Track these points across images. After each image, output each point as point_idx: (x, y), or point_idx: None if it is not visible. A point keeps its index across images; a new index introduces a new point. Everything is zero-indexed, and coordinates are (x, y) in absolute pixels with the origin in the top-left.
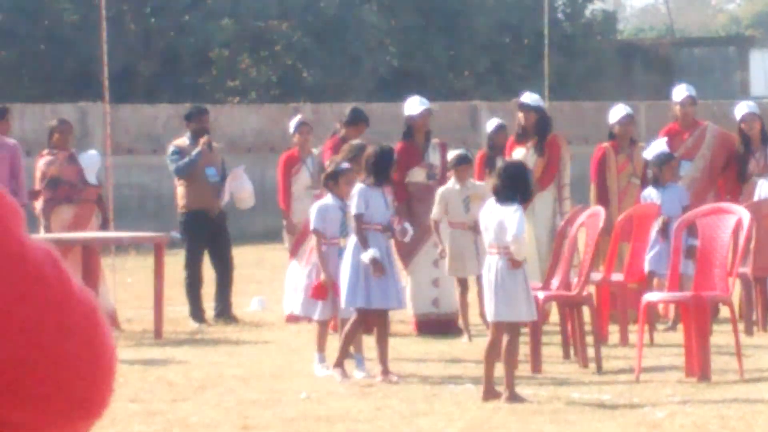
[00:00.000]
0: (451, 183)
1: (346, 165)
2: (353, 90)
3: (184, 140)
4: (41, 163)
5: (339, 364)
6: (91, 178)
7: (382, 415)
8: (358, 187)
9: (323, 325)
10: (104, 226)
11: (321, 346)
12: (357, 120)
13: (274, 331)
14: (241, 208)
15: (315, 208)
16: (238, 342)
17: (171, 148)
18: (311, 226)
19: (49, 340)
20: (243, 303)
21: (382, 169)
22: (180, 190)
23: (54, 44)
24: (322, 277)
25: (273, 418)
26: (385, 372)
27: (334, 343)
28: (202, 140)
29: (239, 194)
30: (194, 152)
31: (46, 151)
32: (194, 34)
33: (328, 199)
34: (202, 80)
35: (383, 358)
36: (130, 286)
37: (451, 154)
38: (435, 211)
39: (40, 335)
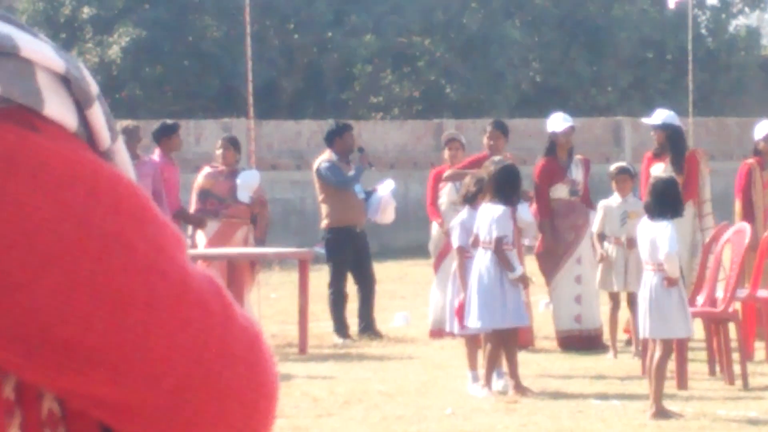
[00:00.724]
0: (613, 197)
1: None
2: (496, 106)
3: (330, 155)
4: (200, 175)
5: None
6: (243, 195)
7: (528, 431)
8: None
9: (471, 342)
10: (258, 244)
11: (472, 364)
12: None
13: (418, 346)
14: (383, 222)
15: (457, 225)
16: (382, 357)
17: (325, 164)
18: (454, 244)
19: (211, 367)
20: (387, 318)
21: (507, 188)
22: (325, 207)
23: (197, 60)
24: (462, 295)
25: None
26: (518, 386)
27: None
28: (362, 158)
29: (385, 209)
30: (358, 167)
31: (208, 165)
32: (337, 50)
33: (466, 214)
34: (345, 96)
35: (514, 372)
36: (275, 302)
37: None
38: (596, 224)
39: (202, 362)
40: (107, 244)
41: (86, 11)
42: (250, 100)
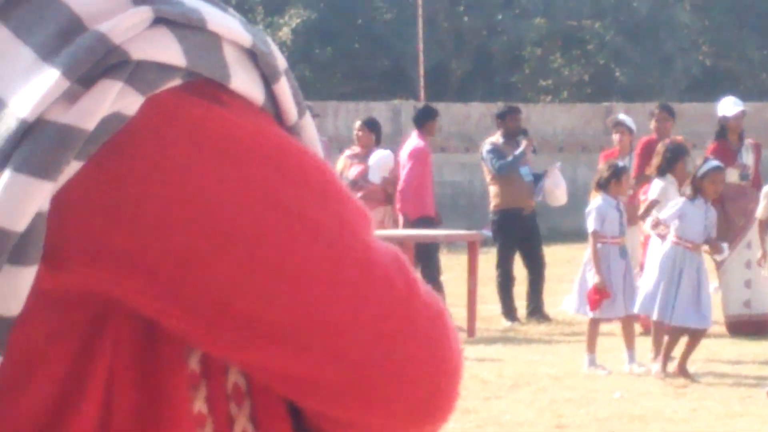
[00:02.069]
0: None
1: (621, 164)
2: (665, 89)
3: (497, 138)
4: (341, 158)
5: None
6: (374, 176)
7: (698, 416)
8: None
9: (594, 325)
10: (394, 225)
11: (590, 347)
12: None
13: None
14: (554, 205)
15: (593, 209)
16: (550, 341)
17: (487, 146)
18: (590, 228)
19: (393, 342)
20: (556, 302)
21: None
22: (493, 188)
23: (368, 42)
24: (597, 279)
25: (587, 417)
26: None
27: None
28: (526, 142)
29: (554, 191)
30: (518, 152)
31: (348, 149)
32: (507, 32)
33: (602, 200)
34: (514, 79)
35: (686, 357)
36: (443, 284)
37: None
38: (760, 210)
39: (384, 338)
40: (291, 219)
41: None
42: (421, 82)
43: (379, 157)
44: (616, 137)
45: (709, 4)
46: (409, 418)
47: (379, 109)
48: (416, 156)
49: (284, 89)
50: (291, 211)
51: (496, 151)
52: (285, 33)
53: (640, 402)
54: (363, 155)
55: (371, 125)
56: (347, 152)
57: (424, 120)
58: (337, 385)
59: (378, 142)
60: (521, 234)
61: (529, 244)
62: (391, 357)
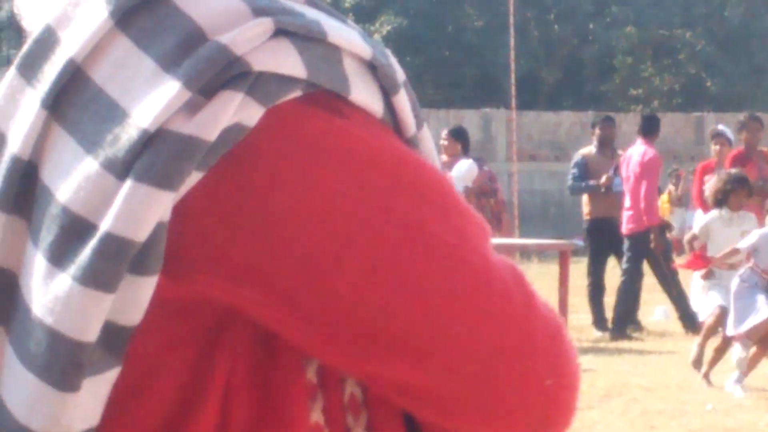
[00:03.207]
0: None
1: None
2: (757, 100)
3: (590, 149)
4: None
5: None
6: (457, 186)
7: None
8: None
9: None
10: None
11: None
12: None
13: (677, 340)
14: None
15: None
16: (642, 351)
17: (576, 158)
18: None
19: (511, 356)
20: (647, 312)
21: None
22: (585, 197)
23: (457, 50)
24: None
25: (679, 428)
26: None
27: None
28: (605, 178)
29: None
30: (592, 182)
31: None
32: (597, 41)
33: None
34: (605, 88)
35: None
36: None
37: None
38: None
39: (503, 351)
40: (410, 232)
41: (349, 0)
42: (513, 90)
43: (462, 167)
44: (715, 148)
45: None
46: (527, 431)
47: (469, 117)
48: (651, 165)
49: (403, 101)
50: (410, 224)
51: (580, 165)
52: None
53: (732, 414)
54: (449, 163)
55: (457, 134)
56: None
57: (654, 129)
58: (454, 398)
59: (465, 151)
60: (614, 244)
61: (622, 255)
62: (509, 370)
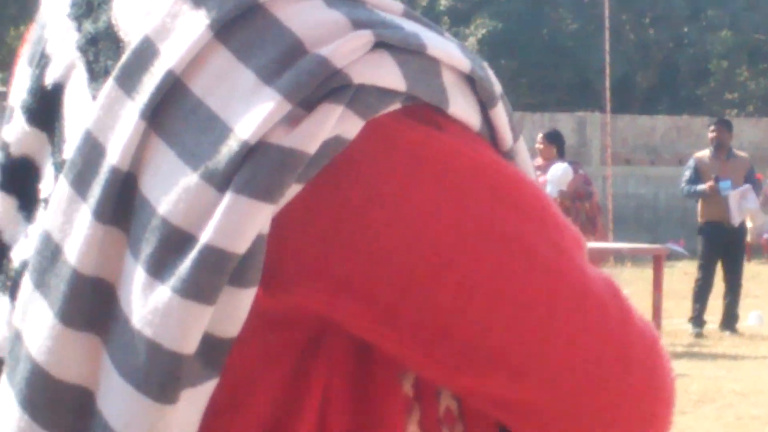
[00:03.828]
0: None
1: None
2: None
3: (705, 153)
4: None
5: None
6: (552, 190)
7: None
8: None
9: None
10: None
11: None
12: None
13: None
14: (754, 223)
15: None
16: (736, 356)
17: (690, 161)
18: None
19: (609, 370)
20: (741, 317)
21: None
22: (700, 201)
23: (552, 53)
24: None
25: None
26: None
27: None
28: (709, 184)
29: (748, 211)
30: (699, 188)
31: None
32: (693, 45)
33: None
34: (700, 92)
35: None
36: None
37: None
38: None
39: (601, 365)
40: (508, 246)
41: (443, 2)
42: (608, 94)
43: (557, 171)
44: None
45: None
46: None
47: (564, 121)
48: None
49: (501, 114)
50: (508, 238)
51: (694, 169)
52: (471, 43)
53: None
54: (545, 167)
55: (552, 137)
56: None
57: None
58: (552, 412)
59: (561, 155)
60: (723, 247)
61: (730, 257)
62: (607, 385)
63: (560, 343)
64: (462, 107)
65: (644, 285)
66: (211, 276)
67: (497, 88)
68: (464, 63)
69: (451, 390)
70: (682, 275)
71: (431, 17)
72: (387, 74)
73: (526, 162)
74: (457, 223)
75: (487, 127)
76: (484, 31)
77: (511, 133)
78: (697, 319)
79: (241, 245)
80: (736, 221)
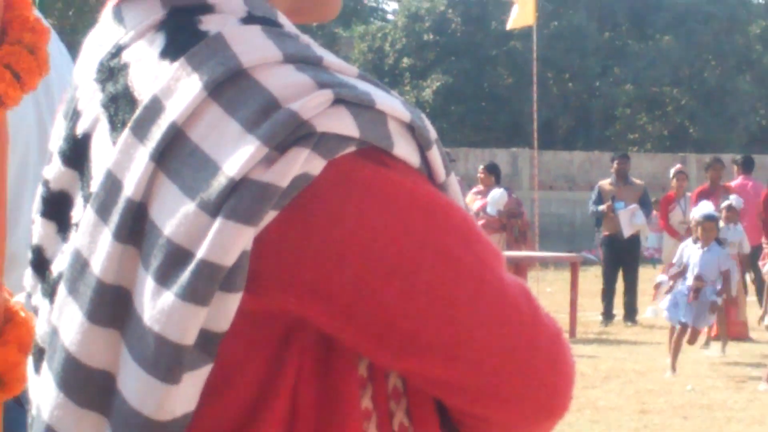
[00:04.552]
0: None
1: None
2: (729, 144)
3: (607, 182)
4: (469, 194)
5: None
6: (491, 209)
7: (753, 405)
8: None
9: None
10: (511, 247)
11: None
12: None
13: (664, 333)
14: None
15: None
16: (636, 342)
17: (596, 188)
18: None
19: (521, 355)
20: (640, 311)
21: None
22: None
23: (492, 102)
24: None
25: (665, 404)
26: None
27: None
28: (607, 205)
29: (636, 226)
30: (600, 208)
31: (474, 187)
32: (603, 96)
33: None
34: (608, 133)
35: None
36: (550, 295)
37: None
38: None
39: (515, 351)
40: (440, 258)
41: (405, 61)
42: (535, 134)
43: (495, 194)
44: (673, 183)
45: (766, 76)
46: (534, 415)
47: (501, 155)
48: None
49: (435, 155)
50: (440, 251)
51: (597, 193)
52: (427, 94)
53: (707, 393)
54: (485, 192)
55: (491, 168)
56: (474, 189)
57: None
58: (476, 389)
59: (498, 182)
60: (619, 255)
61: (627, 263)
62: (520, 367)
63: (482, 334)
64: (404, 149)
65: (564, 285)
66: (206, 284)
67: (432, 134)
68: (405, 115)
69: (397, 371)
70: (594, 278)
71: (396, 73)
72: (344, 124)
73: (457, 192)
74: (398, 239)
75: (424, 165)
76: (438, 83)
77: (444, 170)
78: (607, 314)
79: (229, 259)
80: (626, 233)
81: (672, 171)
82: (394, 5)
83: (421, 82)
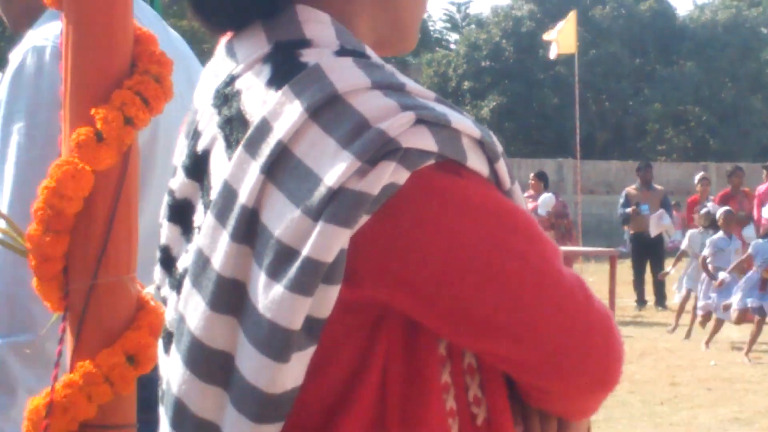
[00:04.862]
0: None
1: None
2: (744, 154)
3: (633, 188)
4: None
5: None
6: (542, 211)
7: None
8: None
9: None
10: (558, 243)
11: None
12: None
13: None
14: (668, 233)
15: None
16: (666, 324)
17: (623, 193)
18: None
19: (578, 336)
20: (669, 297)
21: None
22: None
23: (540, 119)
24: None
25: (692, 377)
26: None
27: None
28: (632, 209)
29: (663, 227)
30: (628, 210)
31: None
32: (635, 114)
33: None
34: (640, 145)
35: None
36: (592, 284)
37: None
38: None
39: (573, 333)
40: (508, 254)
41: (466, 84)
42: (578, 146)
43: (544, 199)
44: (698, 188)
45: None
46: (590, 387)
47: (548, 165)
48: None
49: (502, 166)
50: (508, 249)
51: (625, 198)
52: (485, 112)
53: (729, 368)
54: (535, 196)
55: (540, 176)
56: (525, 194)
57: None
58: (541, 365)
59: (546, 188)
60: (645, 250)
61: (655, 257)
62: (577, 345)
63: (544, 319)
64: (476, 162)
65: (603, 276)
66: (310, 277)
67: (499, 148)
68: (476, 132)
69: (472, 351)
70: (627, 269)
71: (458, 94)
72: (424, 140)
73: (520, 198)
74: (473, 239)
75: (493, 175)
76: (494, 103)
77: (509, 179)
78: (640, 300)
79: (329, 256)
80: (653, 233)
81: (696, 178)
82: (456, 36)
83: (479, 102)
